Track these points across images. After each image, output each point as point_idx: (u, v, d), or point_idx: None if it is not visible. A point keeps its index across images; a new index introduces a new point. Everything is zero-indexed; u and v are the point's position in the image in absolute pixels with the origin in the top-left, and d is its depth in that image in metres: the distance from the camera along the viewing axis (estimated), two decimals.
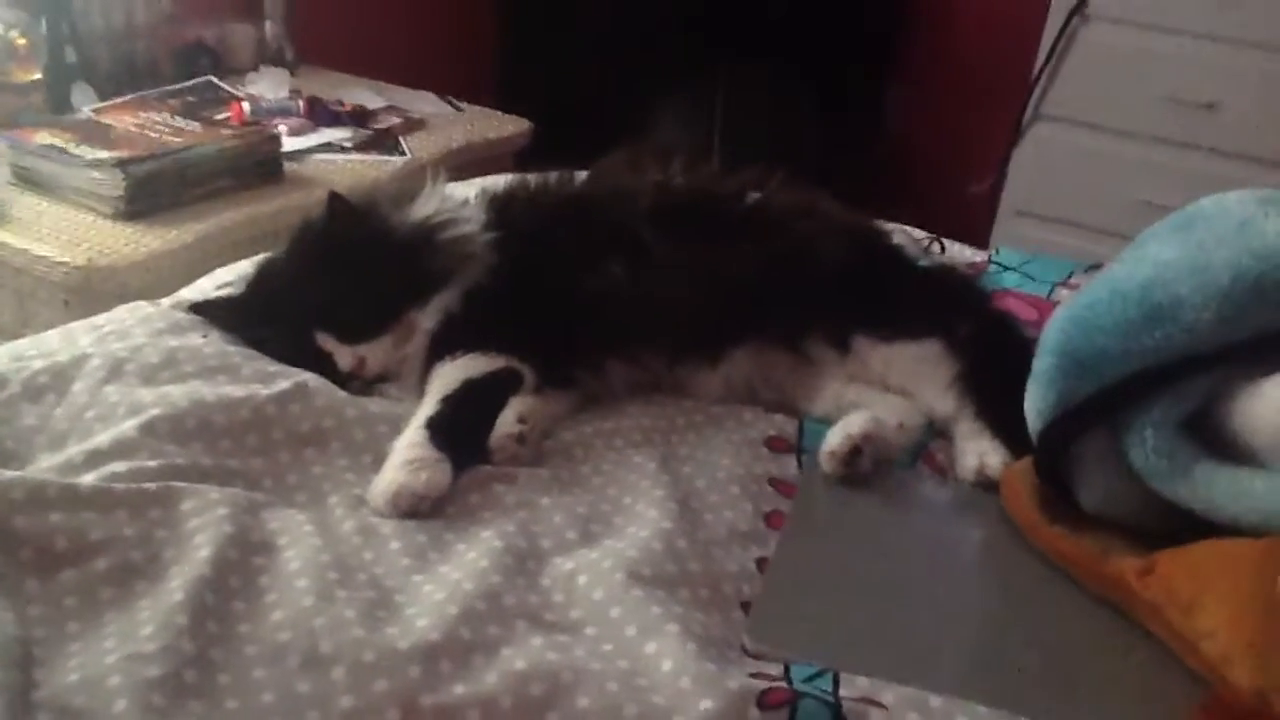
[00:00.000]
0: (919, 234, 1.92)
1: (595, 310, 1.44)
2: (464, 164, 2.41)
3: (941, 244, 1.94)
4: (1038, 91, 2.92)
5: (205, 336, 1.38)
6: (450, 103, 2.72)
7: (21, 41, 2.23)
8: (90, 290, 1.81)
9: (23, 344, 1.37)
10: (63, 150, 1.98)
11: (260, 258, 1.54)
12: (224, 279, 1.57)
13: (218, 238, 1.97)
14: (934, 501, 1.34)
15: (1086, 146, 2.90)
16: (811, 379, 1.49)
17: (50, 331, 1.40)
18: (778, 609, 1.12)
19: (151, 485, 1.12)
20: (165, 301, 1.49)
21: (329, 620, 1.00)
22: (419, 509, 1.19)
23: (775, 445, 1.39)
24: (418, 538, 1.15)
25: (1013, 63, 3.05)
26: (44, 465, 1.16)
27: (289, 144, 2.28)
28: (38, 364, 1.29)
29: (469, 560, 1.11)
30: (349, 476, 1.23)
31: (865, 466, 1.32)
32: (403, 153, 2.41)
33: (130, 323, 1.39)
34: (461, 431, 1.27)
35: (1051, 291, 1.81)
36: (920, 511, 1.33)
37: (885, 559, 1.22)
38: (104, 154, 1.97)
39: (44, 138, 2.02)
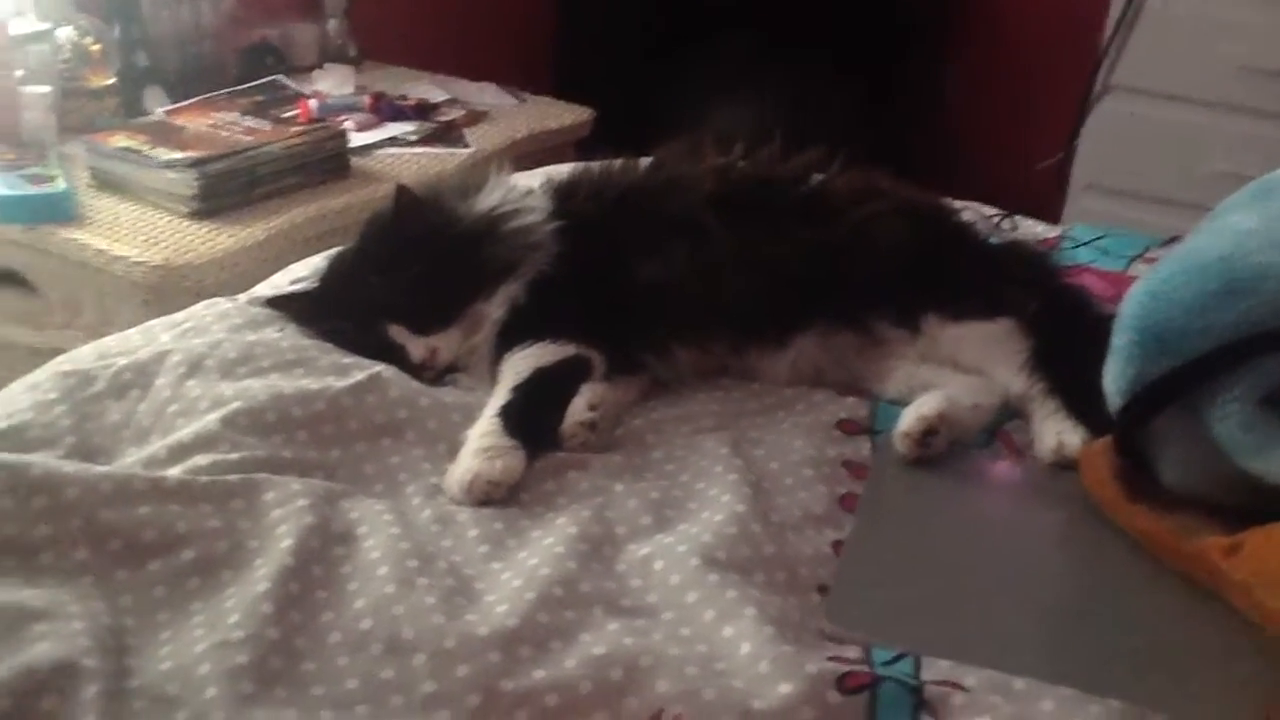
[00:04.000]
0: (988, 211, 1.89)
1: (660, 297, 1.44)
2: (527, 154, 2.42)
3: (1013, 221, 1.91)
4: (1106, 62, 2.85)
5: (281, 331, 1.40)
6: (512, 93, 2.73)
7: (95, 47, 2.28)
8: (168, 288, 1.85)
9: (107, 342, 1.40)
10: (137, 152, 2.02)
11: (332, 252, 1.57)
12: (298, 274, 1.59)
13: (289, 234, 2.00)
14: (1010, 482, 1.32)
15: (1159, 117, 2.83)
16: (882, 360, 1.48)
17: (132, 330, 1.44)
18: (855, 592, 1.12)
19: (234, 477, 1.14)
20: (241, 298, 1.52)
21: (410, 608, 1.02)
22: (494, 496, 1.20)
23: (847, 428, 1.38)
24: (494, 525, 1.17)
25: (1079, 33, 2.99)
26: (130, 460, 1.19)
27: (355, 140, 2.30)
28: (121, 361, 1.32)
29: (545, 547, 1.12)
30: (425, 466, 1.25)
31: (940, 447, 1.31)
32: (466, 145, 2.43)
33: (209, 319, 1.42)
34: (534, 419, 1.28)
35: (1128, 266, 1.77)
36: (996, 492, 1.31)
37: (962, 540, 1.21)
38: (177, 154, 2.01)
39: (119, 140, 2.06)
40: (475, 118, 2.57)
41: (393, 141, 2.39)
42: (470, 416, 1.30)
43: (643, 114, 2.64)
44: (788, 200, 1.54)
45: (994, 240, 1.64)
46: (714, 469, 1.27)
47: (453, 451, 1.25)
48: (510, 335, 1.40)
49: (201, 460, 1.17)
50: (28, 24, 2.25)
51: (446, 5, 3.13)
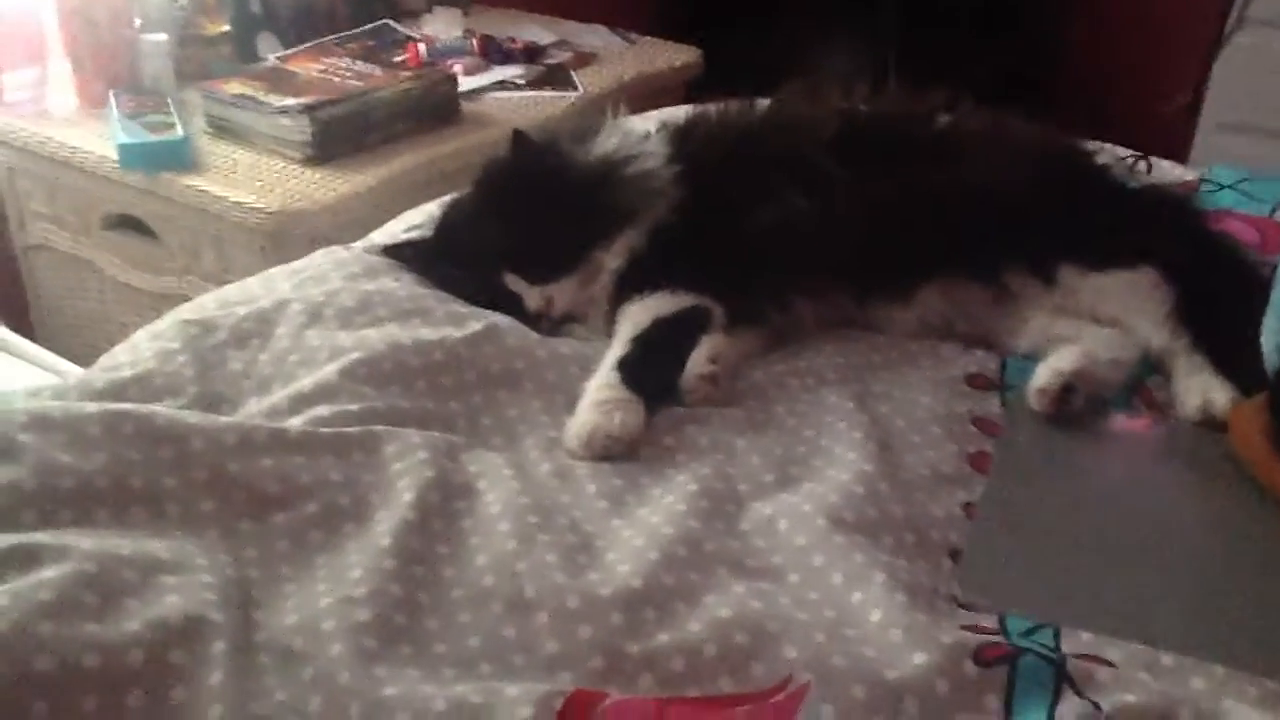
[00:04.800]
0: (1122, 152, 1.80)
1: (781, 245, 1.40)
2: (637, 96, 2.37)
3: (1148, 163, 1.81)
4: None
5: (398, 280, 1.39)
6: (620, 35, 2.68)
7: None
8: (283, 234, 1.85)
9: (228, 291, 1.41)
10: (252, 99, 2.03)
11: (447, 199, 1.55)
12: (412, 221, 1.58)
13: (401, 179, 1.99)
14: (1152, 441, 1.26)
15: None
16: (1014, 313, 1.42)
17: (252, 279, 1.44)
18: (989, 558, 1.07)
19: (354, 429, 1.14)
20: (358, 245, 1.52)
21: (531, 565, 1.01)
22: (613, 451, 1.18)
23: (976, 383, 1.33)
24: (613, 480, 1.14)
25: None
26: (252, 409, 1.20)
27: (464, 83, 2.28)
28: (242, 310, 1.33)
29: (666, 504, 1.10)
30: (543, 418, 1.23)
31: (1078, 405, 1.25)
32: (575, 87, 2.38)
33: (326, 267, 1.42)
34: (653, 372, 1.26)
35: (1275, 210, 1.67)
36: (1137, 453, 1.25)
37: (1101, 504, 1.16)
38: (290, 100, 2.01)
39: (235, 87, 2.07)
40: (583, 60, 2.53)
41: (501, 85, 2.36)
42: (588, 368, 1.28)
43: (751, 54, 2.58)
44: (913, 144, 1.48)
45: (1132, 184, 1.55)
46: (838, 425, 1.24)
47: (570, 404, 1.23)
48: (628, 284, 1.37)
49: (323, 411, 1.17)
50: None
51: None
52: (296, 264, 1.45)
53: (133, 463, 1.06)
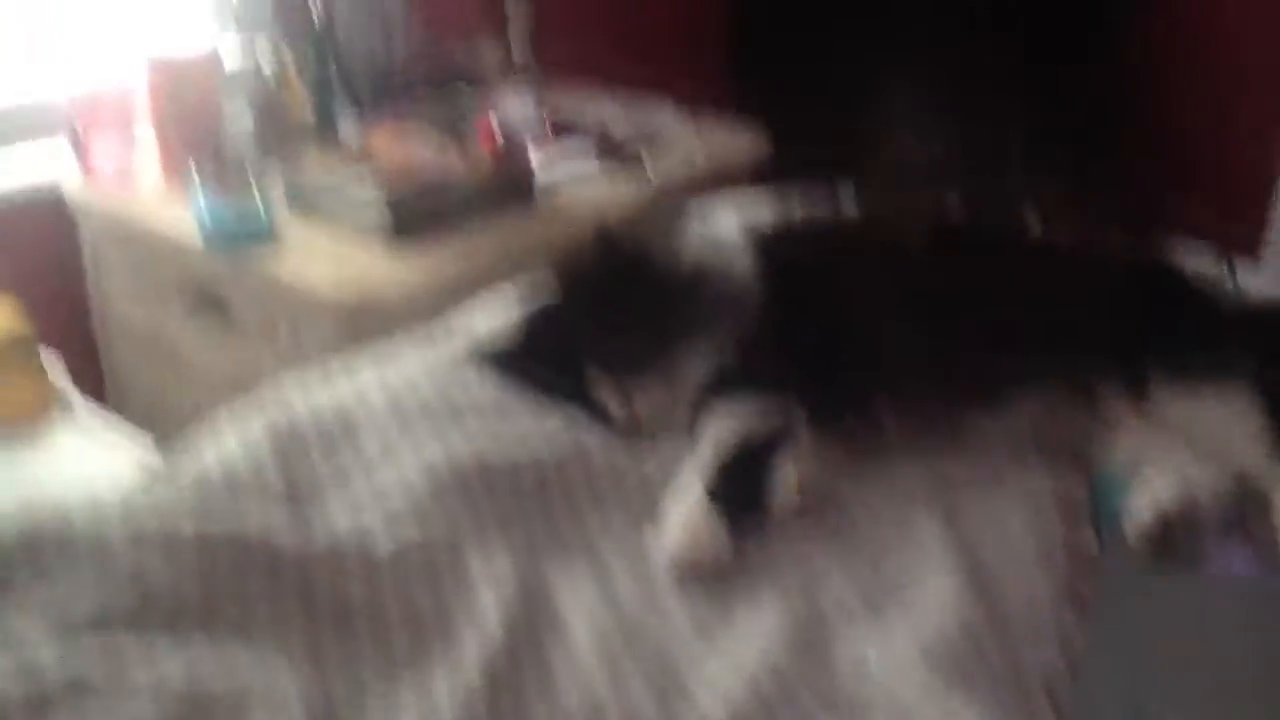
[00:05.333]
0: (1213, 259, 1.76)
1: (870, 353, 1.38)
2: (705, 181, 2.37)
3: (1238, 269, 1.77)
4: None
5: (486, 382, 1.39)
6: (687, 115, 2.68)
7: (293, 72, 2.32)
8: (360, 316, 1.86)
9: (314, 387, 1.40)
10: (332, 180, 2.05)
11: (533, 303, 1.53)
12: (491, 304, 1.57)
13: (476, 263, 1.99)
14: (1262, 583, 1.21)
15: None
16: (1104, 428, 1.38)
17: (339, 374, 1.43)
18: (1093, 715, 1.03)
19: (442, 548, 1.13)
20: (442, 337, 1.51)
21: (618, 698, 0.98)
22: (700, 573, 1.16)
23: (1067, 506, 1.29)
24: (699, 601, 1.13)
25: None
26: (338, 519, 1.18)
27: (536, 164, 2.28)
28: (329, 412, 1.32)
29: (754, 634, 1.08)
30: (629, 538, 1.21)
31: (1179, 541, 1.21)
32: (648, 175, 2.37)
33: (415, 367, 1.41)
34: (740, 489, 1.24)
35: None
36: (1248, 596, 1.20)
37: (1213, 656, 1.10)
38: (369, 183, 2.02)
39: (315, 167, 2.09)
40: (651, 141, 2.52)
41: (573, 170, 2.36)
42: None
43: (816, 133, 2.58)
44: (1008, 249, 1.46)
45: (1228, 298, 1.52)
46: (927, 548, 1.21)
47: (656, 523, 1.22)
48: (713, 393, 1.35)
49: (411, 532, 1.16)
50: (230, 46, 2.30)
51: (617, 15, 3.10)
52: (383, 358, 1.44)
53: (221, 570, 1.06)
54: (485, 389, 1.37)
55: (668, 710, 0.98)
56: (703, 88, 2.97)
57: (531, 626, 1.06)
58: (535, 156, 2.30)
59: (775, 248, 1.48)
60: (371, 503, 1.19)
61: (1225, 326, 1.45)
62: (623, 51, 3.00)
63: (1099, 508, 1.29)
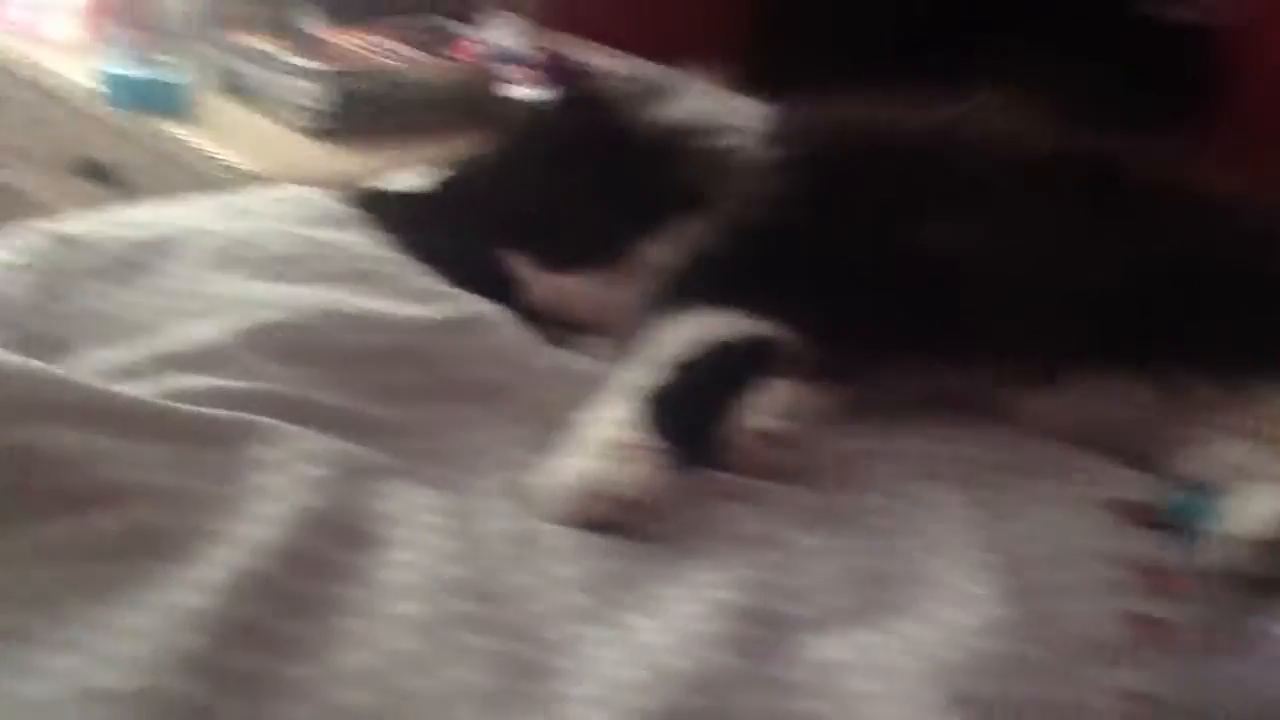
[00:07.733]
0: None
1: (913, 282, 1.02)
2: None
3: None
4: None
5: (364, 236, 1.03)
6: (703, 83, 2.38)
7: None
8: None
9: (139, 211, 1.05)
10: (272, 56, 1.81)
11: (466, 153, 1.19)
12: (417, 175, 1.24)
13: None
14: None
15: None
16: (1186, 426, 1.03)
17: (174, 203, 1.08)
18: None
19: (224, 414, 0.75)
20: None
21: (435, 689, 0.59)
22: (613, 518, 0.78)
23: (1131, 513, 0.94)
24: (602, 565, 0.75)
25: None
26: (98, 364, 0.81)
27: (514, 93, 1.99)
28: (135, 234, 0.96)
29: (682, 618, 0.69)
30: (515, 454, 0.83)
31: None
32: None
33: (272, 203, 1.06)
34: (693, 414, 0.87)
35: None
36: None
37: None
38: (315, 65, 1.78)
39: (256, 42, 1.86)
40: (651, 94, 2.21)
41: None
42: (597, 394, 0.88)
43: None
44: (1127, 191, 1.11)
45: None
46: (953, 536, 0.85)
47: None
48: (679, 293, 0.99)
49: (196, 382, 0.78)
50: None
51: None
52: (240, 195, 1.09)
53: None
54: (364, 245, 1.00)
55: (514, 713, 0.59)
56: (722, 67, 2.71)
57: (324, 550, 0.67)
58: (515, 87, 2.02)
59: (813, 127, 1.12)
60: (151, 341, 0.82)
61: None
62: (639, 27, 2.77)
63: (1174, 520, 0.95)
